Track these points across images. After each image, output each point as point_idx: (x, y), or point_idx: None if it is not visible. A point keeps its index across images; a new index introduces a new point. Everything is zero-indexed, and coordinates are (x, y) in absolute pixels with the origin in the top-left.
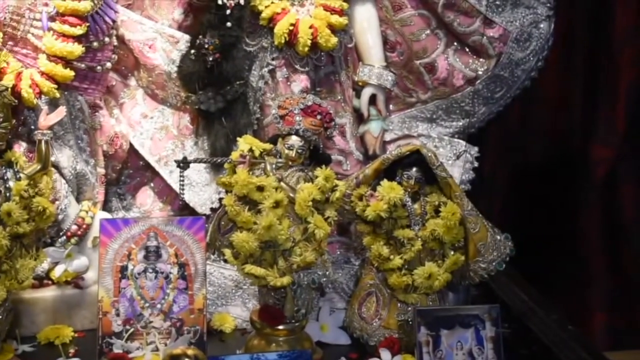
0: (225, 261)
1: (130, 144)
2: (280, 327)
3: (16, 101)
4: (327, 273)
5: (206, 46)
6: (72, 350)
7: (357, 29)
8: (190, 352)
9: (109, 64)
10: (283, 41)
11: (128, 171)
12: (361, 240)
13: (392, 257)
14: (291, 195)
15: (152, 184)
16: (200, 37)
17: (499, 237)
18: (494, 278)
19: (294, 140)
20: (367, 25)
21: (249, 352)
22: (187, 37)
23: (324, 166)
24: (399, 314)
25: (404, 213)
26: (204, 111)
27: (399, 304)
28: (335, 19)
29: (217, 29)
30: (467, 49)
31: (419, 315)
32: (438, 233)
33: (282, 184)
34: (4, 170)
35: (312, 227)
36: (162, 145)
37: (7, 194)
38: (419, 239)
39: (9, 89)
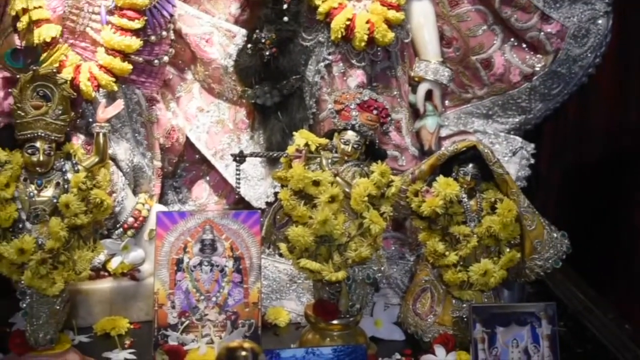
0: (280, 255)
1: (187, 138)
2: (335, 321)
3: (75, 94)
4: (382, 268)
5: (263, 40)
6: (127, 342)
7: (413, 24)
8: (246, 345)
9: (166, 58)
10: (340, 36)
11: (184, 164)
12: (416, 236)
13: (447, 253)
14: (347, 190)
15: (207, 178)
16: (257, 31)
17: (555, 235)
18: (550, 276)
19: (350, 135)
20: (423, 21)
21: (303, 346)
22: (244, 31)
23: (379, 161)
24: (453, 311)
25: (460, 209)
26: (260, 105)
27: (453, 301)
28: (392, 14)
29: (274, 23)
30: (524, 45)
31: (474, 312)
32: (494, 230)
33: (337, 178)
34: (63, 163)
35: (368, 223)
36: (218, 139)
37: (66, 186)
38: (475, 235)
39: (68, 82)
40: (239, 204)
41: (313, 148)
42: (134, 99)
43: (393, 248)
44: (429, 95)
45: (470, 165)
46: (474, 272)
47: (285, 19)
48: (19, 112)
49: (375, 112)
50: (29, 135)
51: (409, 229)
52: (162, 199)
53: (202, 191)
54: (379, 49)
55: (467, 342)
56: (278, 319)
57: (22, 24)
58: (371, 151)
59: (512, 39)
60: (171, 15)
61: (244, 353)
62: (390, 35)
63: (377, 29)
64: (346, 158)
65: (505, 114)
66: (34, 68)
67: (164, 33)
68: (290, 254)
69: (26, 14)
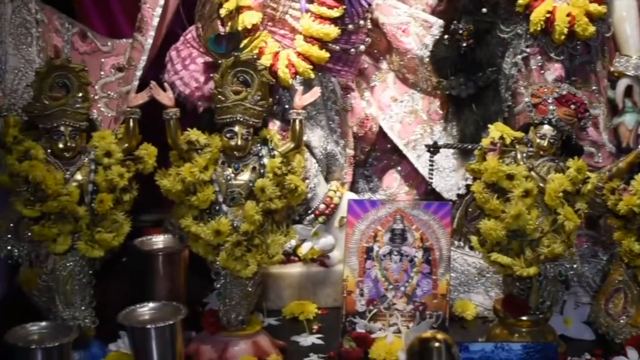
0: (471, 248)
1: (379, 127)
2: (524, 317)
3: (273, 80)
4: (575, 266)
5: (460, 32)
6: (315, 327)
7: (615, 18)
8: (439, 336)
9: (362, 47)
10: (539, 28)
11: (375, 154)
12: (611, 235)
13: None
14: (541, 185)
15: (398, 168)
16: (455, 22)
17: None
18: None
19: (547, 129)
20: (625, 14)
21: (491, 340)
22: (440, 22)
23: (576, 157)
24: None
25: None
26: (455, 97)
27: None
28: (594, 7)
29: (472, 14)
30: None
31: None
32: None
33: (532, 173)
34: (259, 148)
35: (562, 219)
36: (410, 129)
37: (262, 171)
38: None
39: (267, 68)
40: (429, 195)
41: (508, 141)
42: (329, 87)
43: (585, 246)
44: (628, 91)
45: None
46: None
47: (484, 10)
48: (219, 96)
49: (573, 107)
50: (228, 120)
51: (603, 227)
52: (353, 187)
53: (392, 181)
54: (578, 42)
55: None
56: (465, 312)
57: (225, 10)
58: (567, 146)
59: None
60: (369, 5)
61: (437, 344)
62: (591, 28)
63: (577, 22)
64: (542, 153)
65: None
66: (236, 54)
67: (362, 22)
68: (481, 247)
69: (230, 1)
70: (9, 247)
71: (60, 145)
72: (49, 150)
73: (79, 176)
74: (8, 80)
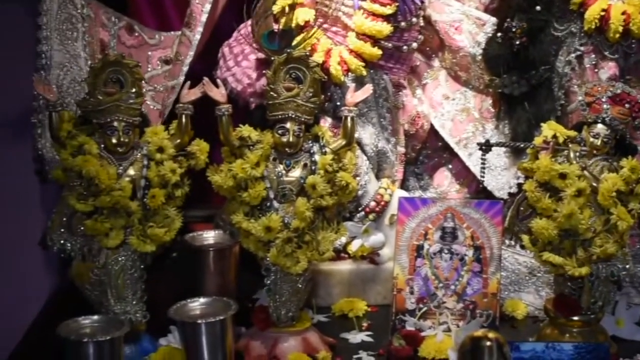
0: (522, 247)
1: (431, 125)
2: (575, 318)
3: (325, 77)
4: (627, 267)
5: (513, 29)
6: (365, 324)
7: None
8: (491, 335)
9: (414, 45)
10: (593, 27)
11: (426, 151)
12: None
13: None
14: (594, 184)
15: (449, 166)
16: (508, 20)
17: None
18: None
19: (600, 128)
20: None
21: (542, 340)
22: (493, 19)
23: (629, 157)
24: None
25: None
26: (507, 95)
27: None
28: None
29: (526, 12)
30: None
31: None
32: None
33: (585, 172)
34: (311, 144)
35: (615, 219)
36: (462, 127)
37: (313, 168)
38: None
39: (319, 65)
40: (480, 194)
41: (561, 140)
42: (381, 84)
43: (638, 246)
44: None
45: None
46: None
47: (538, 8)
48: (271, 93)
49: (627, 106)
50: (280, 116)
51: None
52: (403, 185)
53: (443, 179)
54: (633, 41)
55: None
56: (515, 311)
57: (278, 7)
58: (621, 146)
59: None
60: (422, 2)
61: (488, 343)
62: None
63: (633, 20)
64: (595, 152)
65: None
66: (288, 51)
67: (414, 19)
68: (533, 247)
69: None
70: (62, 241)
71: (114, 141)
72: (102, 146)
73: (131, 171)
74: (53, 76)
